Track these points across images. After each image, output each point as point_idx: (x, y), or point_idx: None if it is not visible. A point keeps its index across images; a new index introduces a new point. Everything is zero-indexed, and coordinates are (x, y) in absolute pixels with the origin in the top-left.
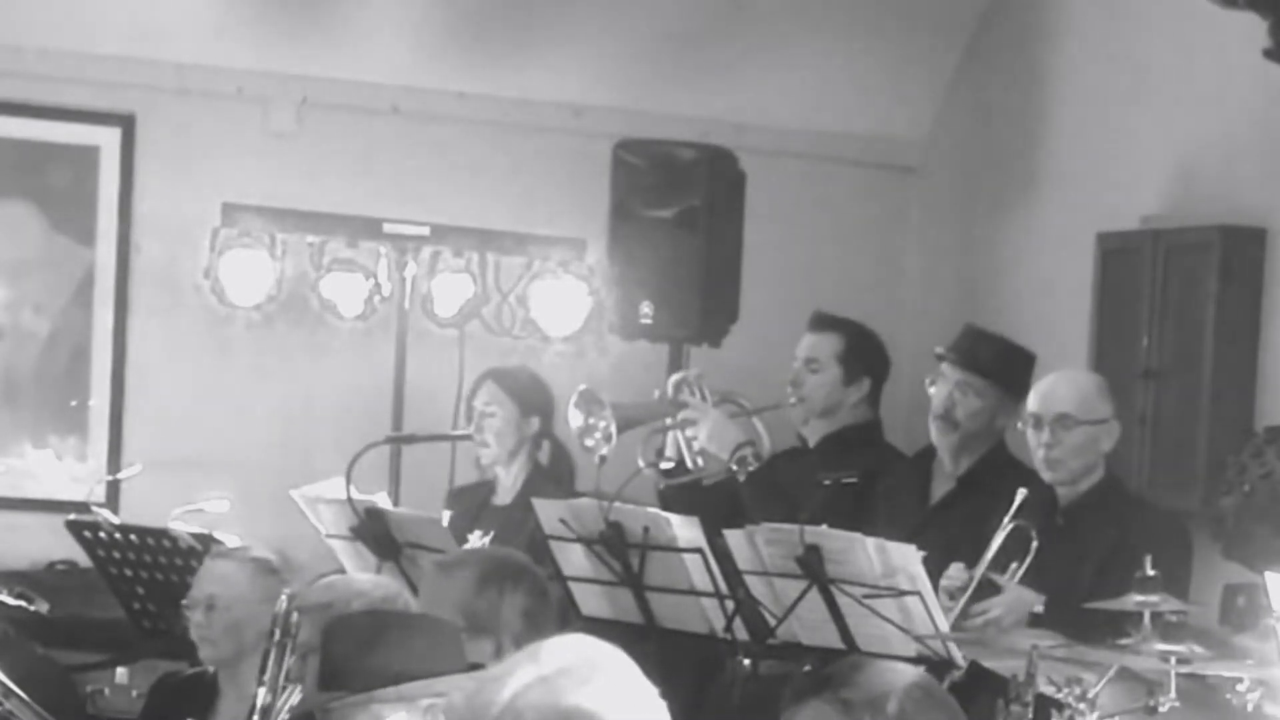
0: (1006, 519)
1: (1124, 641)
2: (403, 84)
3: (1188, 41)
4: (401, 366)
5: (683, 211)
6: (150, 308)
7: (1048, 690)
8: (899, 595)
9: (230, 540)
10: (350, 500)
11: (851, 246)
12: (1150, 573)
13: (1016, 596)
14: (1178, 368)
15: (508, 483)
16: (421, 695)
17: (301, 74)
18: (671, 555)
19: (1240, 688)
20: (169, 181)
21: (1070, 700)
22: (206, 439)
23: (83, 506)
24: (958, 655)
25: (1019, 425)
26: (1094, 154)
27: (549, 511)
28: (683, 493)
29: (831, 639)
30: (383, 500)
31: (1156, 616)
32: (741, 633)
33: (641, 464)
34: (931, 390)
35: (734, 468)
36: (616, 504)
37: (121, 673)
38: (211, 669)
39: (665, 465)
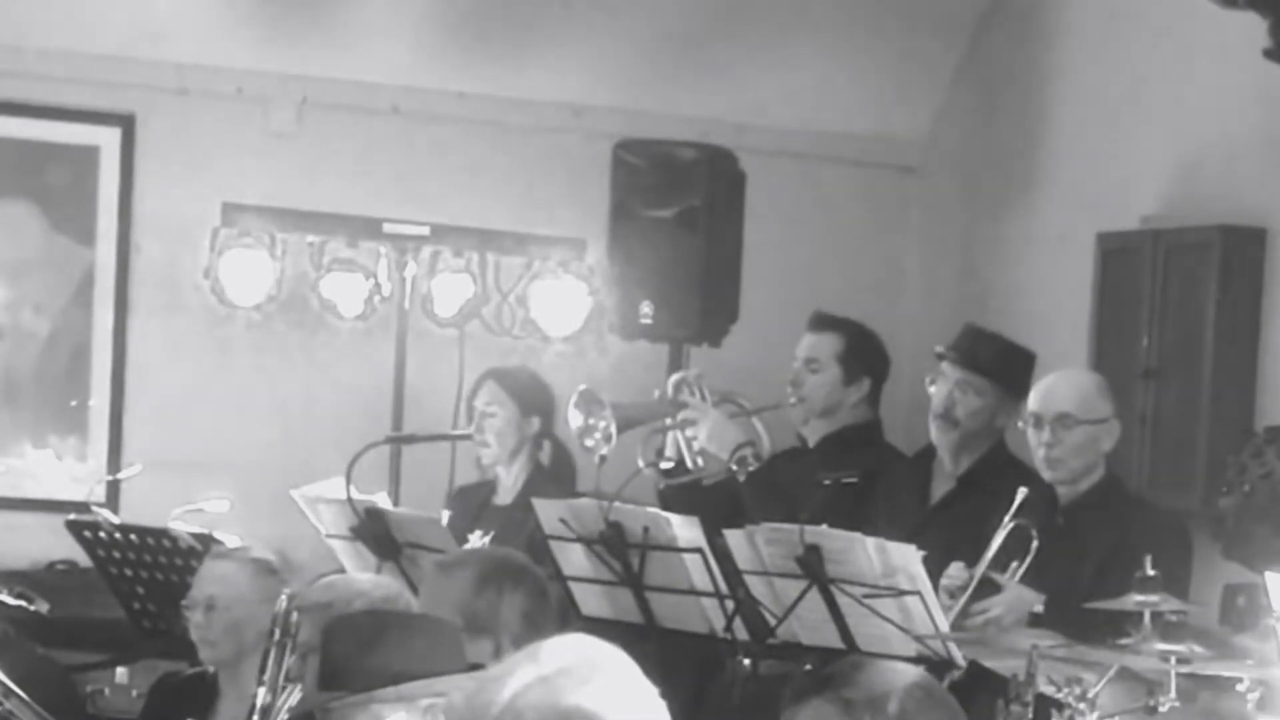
0: (1007, 518)
1: (1124, 641)
2: (403, 84)
3: (1188, 41)
4: (401, 366)
5: (683, 211)
6: (150, 308)
7: (1048, 690)
8: (899, 595)
9: (230, 540)
10: (350, 500)
11: (851, 246)
12: (1150, 573)
13: (1017, 596)
14: (1178, 368)
15: (508, 483)
16: (421, 695)
17: (301, 74)
18: (671, 555)
19: (1240, 688)
20: (169, 181)
21: (1070, 700)
22: (206, 439)
23: (83, 506)
24: (958, 655)
25: (1019, 424)
26: (1094, 154)
27: (549, 511)
28: (683, 493)
29: (831, 639)
30: (383, 500)
31: (1156, 616)
32: (741, 633)
33: (641, 464)
34: (931, 389)
35: (734, 468)
36: (616, 504)
37: (121, 673)
38: (211, 669)
39: (665, 465)
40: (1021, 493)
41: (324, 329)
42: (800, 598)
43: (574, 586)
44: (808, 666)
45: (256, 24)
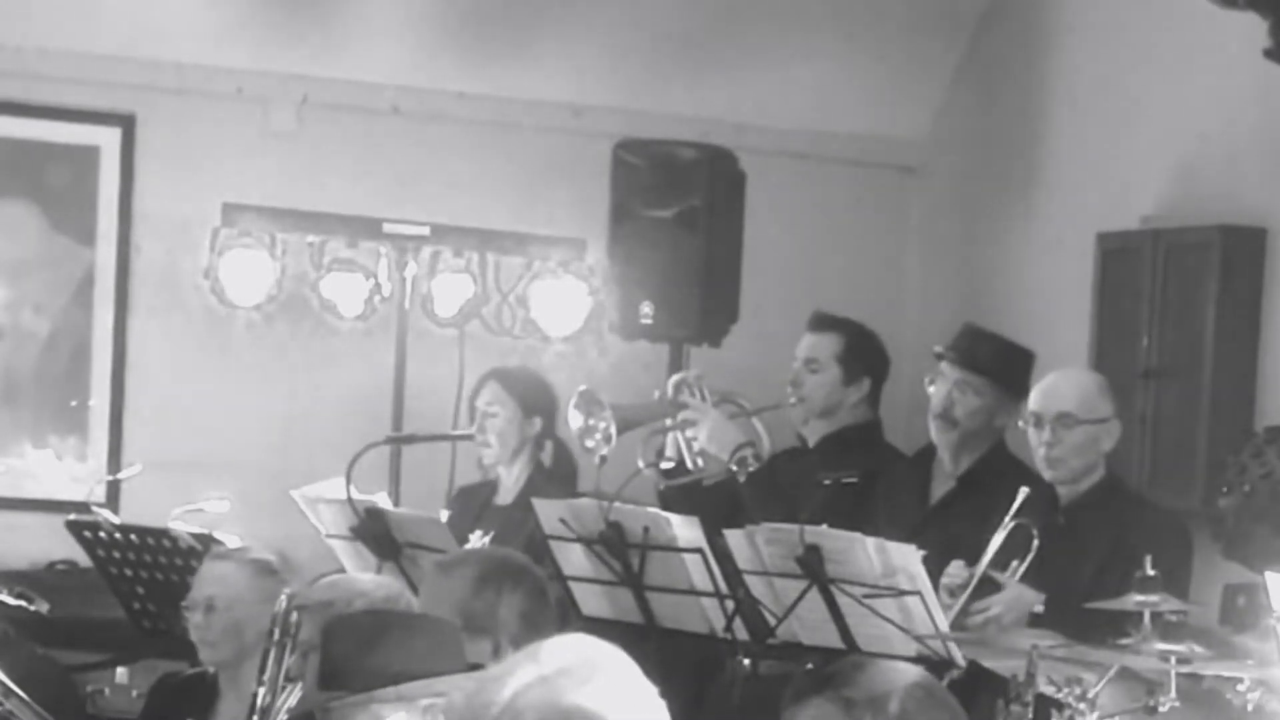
0: (1008, 518)
1: (1124, 641)
2: (403, 84)
3: (1188, 41)
4: (401, 366)
5: (683, 211)
6: (150, 308)
7: (1048, 690)
8: (899, 595)
9: (230, 540)
10: (350, 500)
11: (851, 246)
12: (1150, 572)
13: (1017, 595)
14: (1178, 368)
15: (509, 483)
16: (421, 695)
17: (301, 74)
18: (671, 555)
19: (1240, 688)
20: (169, 181)
21: (1070, 700)
22: (206, 439)
23: (83, 506)
24: (958, 655)
25: (1019, 424)
26: (1094, 154)
27: (549, 511)
28: (683, 493)
29: (831, 639)
30: (383, 500)
31: (1156, 616)
32: (741, 633)
33: (641, 464)
34: (931, 389)
35: (734, 468)
36: (616, 504)
37: (121, 673)
38: (211, 669)
39: (665, 465)
40: (1023, 492)
41: (324, 329)
42: (800, 598)
43: (574, 586)
44: (808, 666)
45: (256, 24)
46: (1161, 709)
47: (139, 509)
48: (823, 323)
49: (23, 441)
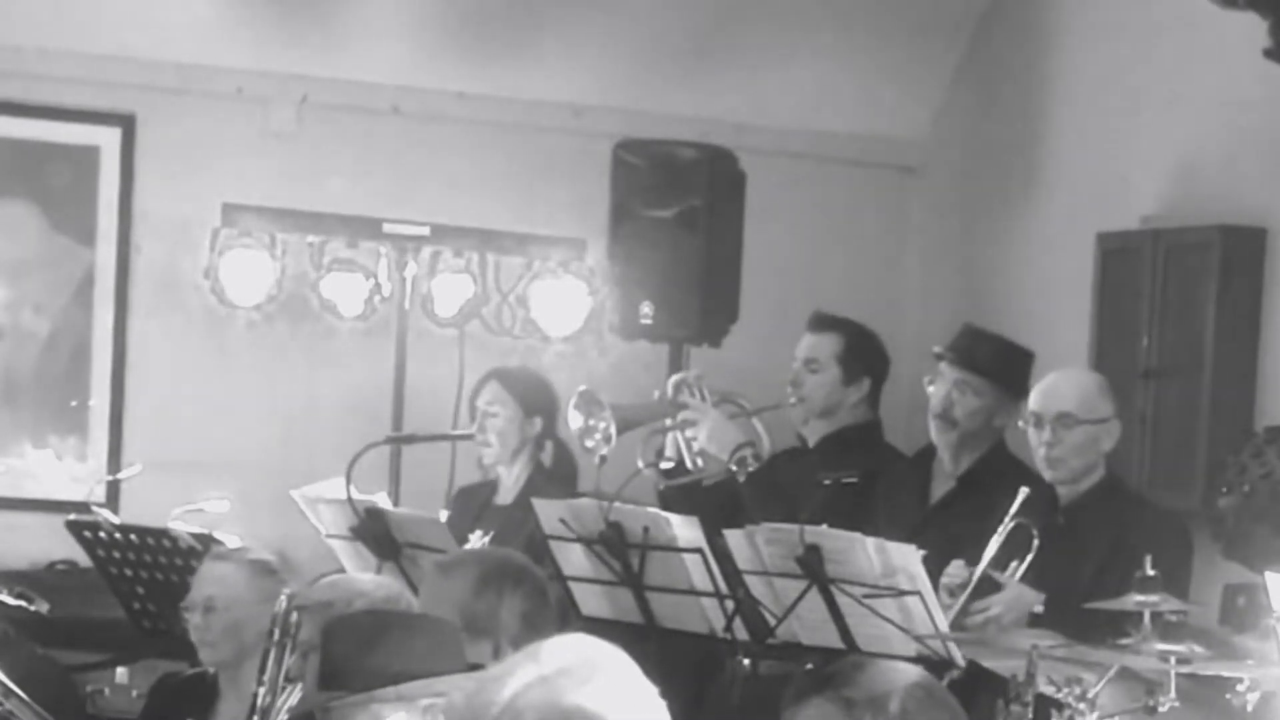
0: (1008, 518)
1: (1124, 641)
2: (403, 84)
3: (1188, 41)
4: (401, 366)
5: (683, 211)
6: (150, 308)
7: (1048, 690)
8: (899, 595)
9: (230, 540)
10: (350, 500)
11: (851, 246)
12: (1150, 572)
13: (1017, 594)
14: (1178, 368)
15: (509, 483)
16: (421, 695)
17: (301, 74)
18: (671, 555)
19: (1240, 688)
20: (169, 181)
21: (1070, 700)
22: (206, 439)
23: (83, 506)
24: (958, 655)
25: (1019, 424)
26: (1094, 154)
27: (549, 511)
28: (683, 493)
29: (831, 639)
30: (383, 500)
31: (1156, 616)
32: (741, 633)
33: (641, 464)
34: (931, 389)
35: (734, 468)
36: (616, 504)
37: (121, 673)
38: (211, 670)
39: (665, 466)
40: (1023, 492)
41: (324, 329)
42: (800, 598)
43: (574, 586)
44: (808, 666)
45: (256, 24)
46: (1161, 709)
47: (139, 509)
48: (823, 323)
49: (23, 441)
